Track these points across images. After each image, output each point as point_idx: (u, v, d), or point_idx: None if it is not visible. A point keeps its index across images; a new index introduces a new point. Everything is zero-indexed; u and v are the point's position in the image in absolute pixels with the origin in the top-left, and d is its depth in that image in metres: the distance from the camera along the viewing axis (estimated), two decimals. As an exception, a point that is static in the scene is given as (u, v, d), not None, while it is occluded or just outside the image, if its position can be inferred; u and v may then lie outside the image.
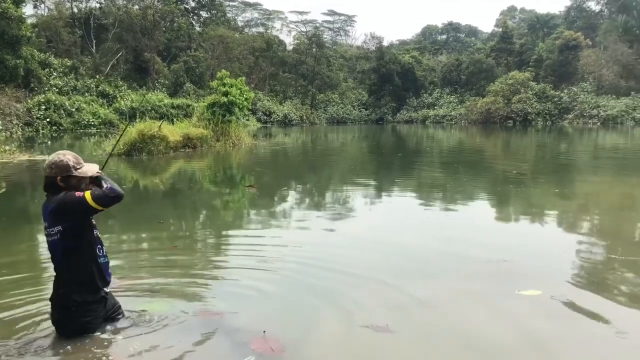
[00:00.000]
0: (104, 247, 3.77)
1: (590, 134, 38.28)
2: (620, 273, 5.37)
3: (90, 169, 3.66)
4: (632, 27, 59.48)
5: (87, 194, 3.44)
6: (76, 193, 3.46)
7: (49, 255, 3.61)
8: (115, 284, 4.50)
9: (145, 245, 6.80)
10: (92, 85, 45.18)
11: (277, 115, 60.70)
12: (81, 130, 38.03)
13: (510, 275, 5.26)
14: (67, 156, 3.57)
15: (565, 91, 56.86)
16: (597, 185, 12.41)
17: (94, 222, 3.71)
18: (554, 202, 9.96)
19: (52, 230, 3.50)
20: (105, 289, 3.73)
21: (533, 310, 4.32)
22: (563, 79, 59.24)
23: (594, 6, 70.93)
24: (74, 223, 3.51)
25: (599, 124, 51.43)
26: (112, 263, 5.17)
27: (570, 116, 54.93)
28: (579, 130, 43.94)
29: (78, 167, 3.58)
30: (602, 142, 30.50)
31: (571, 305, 4.40)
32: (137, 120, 22.07)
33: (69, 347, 3.54)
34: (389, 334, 3.82)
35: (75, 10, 57.22)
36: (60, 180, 3.51)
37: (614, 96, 54.46)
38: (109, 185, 3.53)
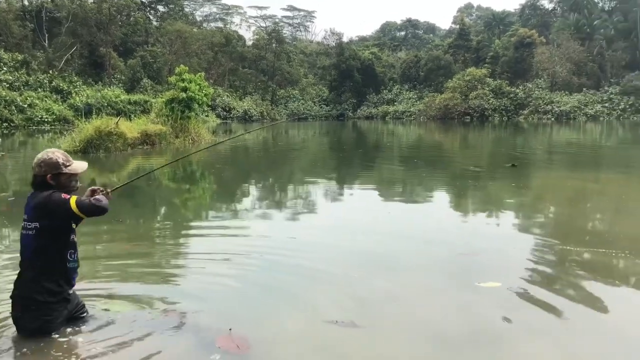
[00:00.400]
0: (77, 253, 3.71)
1: (544, 129, 39.28)
2: (574, 264, 5.52)
3: (80, 165, 3.65)
4: (583, 26, 61.40)
5: (73, 199, 3.42)
6: (63, 195, 3.44)
7: None
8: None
9: (104, 243, 6.63)
10: (45, 81, 43.94)
11: (237, 111, 60.30)
12: (34, 127, 36.96)
13: (470, 268, 5.36)
14: (56, 154, 3.54)
15: (521, 87, 58.29)
16: (552, 180, 12.75)
17: (74, 227, 3.64)
18: (511, 196, 10.18)
19: (30, 225, 3.46)
20: (69, 290, 3.67)
21: (492, 301, 4.42)
22: (518, 75, 60.68)
23: (547, 4, 73.01)
24: (53, 223, 3.47)
25: (552, 119, 52.98)
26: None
27: (525, 112, 56.32)
28: (534, 125, 45.04)
29: (68, 164, 3.56)
30: (556, 137, 31.33)
31: (528, 297, 4.51)
32: (94, 116, 21.52)
33: (25, 349, 3.44)
34: (355, 329, 3.83)
35: (26, 2, 55.48)
36: (51, 178, 3.48)
37: (566, 92, 56.24)
38: (99, 197, 3.53)
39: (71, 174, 3.58)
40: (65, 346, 3.50)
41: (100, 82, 49.87)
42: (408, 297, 4.55)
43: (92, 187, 3.75)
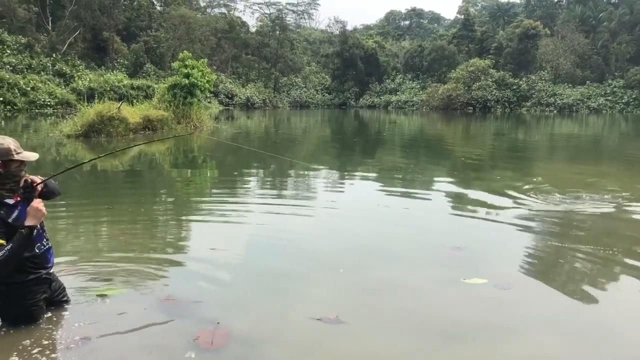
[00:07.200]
0: (44, 237, 3.66)
1: (547, 121, 39.18)
2: (569, 264, 5.53)
3: (31, 155, 3.60)
4: (589, 18, 61.00)
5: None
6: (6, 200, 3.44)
7: None
8: (64, 268, 4.54)
9: (98, 230, 6.64)
10: (48, 64, 43.82)
11: (240, 98, 60.16)
12: (37, 110, 36.95)
13: (460, 262, 5.38)
14: (6, 140, 3.50)
15: (524, 79, 58.10)
16: (552, 172, 12.74)
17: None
18: (510, 189, 10.16)
19: None
20: (42, 270, 3.66)
21: (476, 298, 4.46)
22: (522, 67, 60.44)
23: (553, -4, 72.42)
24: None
25: (555, 111, 52.96)
26: (64, 247, 5.12)
27: (528, 104, 56.24)
28: (536, 117, 44.93)
29: (19, 151, 3.52)
30: (558, 130, 31.29)
31: (513, 294, 4.56)
32: (96, 101, 21.54)
33: (11, 330, 3.53)
34: (339, 325, 3.84)
35: (30, -15, 55.07)
36: (1, 165, 3.44)
37: (570, 85, 56.09)
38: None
39: (22, 161, 3.53)
40: (51, 331, 3.57)
41: (103, 67, 49.72)
42: (395, 293, 4.58)
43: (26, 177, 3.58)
